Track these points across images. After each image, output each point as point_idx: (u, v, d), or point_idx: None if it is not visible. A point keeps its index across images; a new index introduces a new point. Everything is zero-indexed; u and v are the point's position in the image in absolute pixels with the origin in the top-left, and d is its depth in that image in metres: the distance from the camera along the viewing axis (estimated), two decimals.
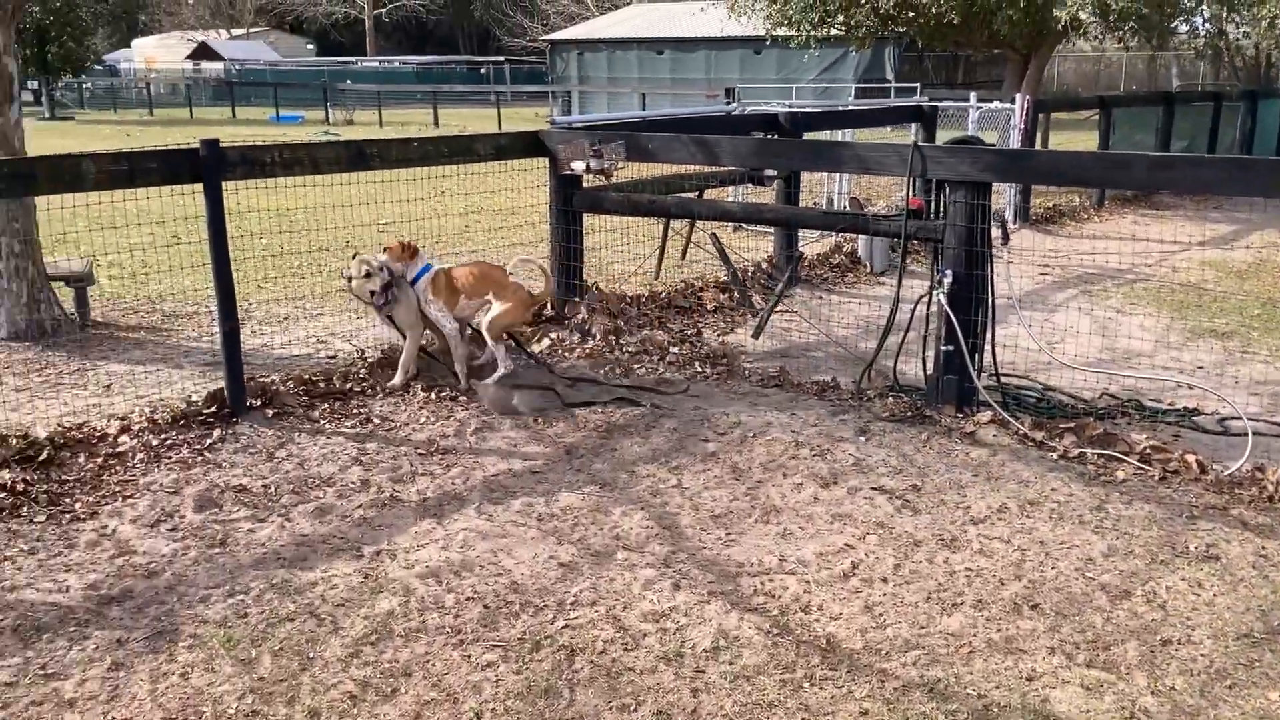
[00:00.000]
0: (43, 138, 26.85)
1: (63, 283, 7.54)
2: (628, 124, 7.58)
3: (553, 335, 7.12)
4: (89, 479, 4.93)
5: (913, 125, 11.40)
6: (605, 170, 6.61)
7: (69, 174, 4.97)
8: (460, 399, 6.12)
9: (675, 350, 6.92)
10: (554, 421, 5.85)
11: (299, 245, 10.58)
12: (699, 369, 6.70)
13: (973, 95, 12.45)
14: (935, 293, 5.75)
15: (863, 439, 5.60)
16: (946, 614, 3.84)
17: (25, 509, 4.62)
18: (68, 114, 39.06)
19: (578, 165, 6.71)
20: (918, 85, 26.06)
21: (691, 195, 7.90)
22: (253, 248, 9.73)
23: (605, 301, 7.68)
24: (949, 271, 5.68)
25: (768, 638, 3.69)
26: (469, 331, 6.40)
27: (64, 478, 4.92)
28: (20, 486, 4.74)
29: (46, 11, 33.07)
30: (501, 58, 57.43)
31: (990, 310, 5.85)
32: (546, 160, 7.26)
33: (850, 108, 11.76)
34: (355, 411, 5.92)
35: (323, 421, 5.75)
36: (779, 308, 7.79)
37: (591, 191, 7.19)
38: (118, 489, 4.86)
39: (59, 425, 5.44)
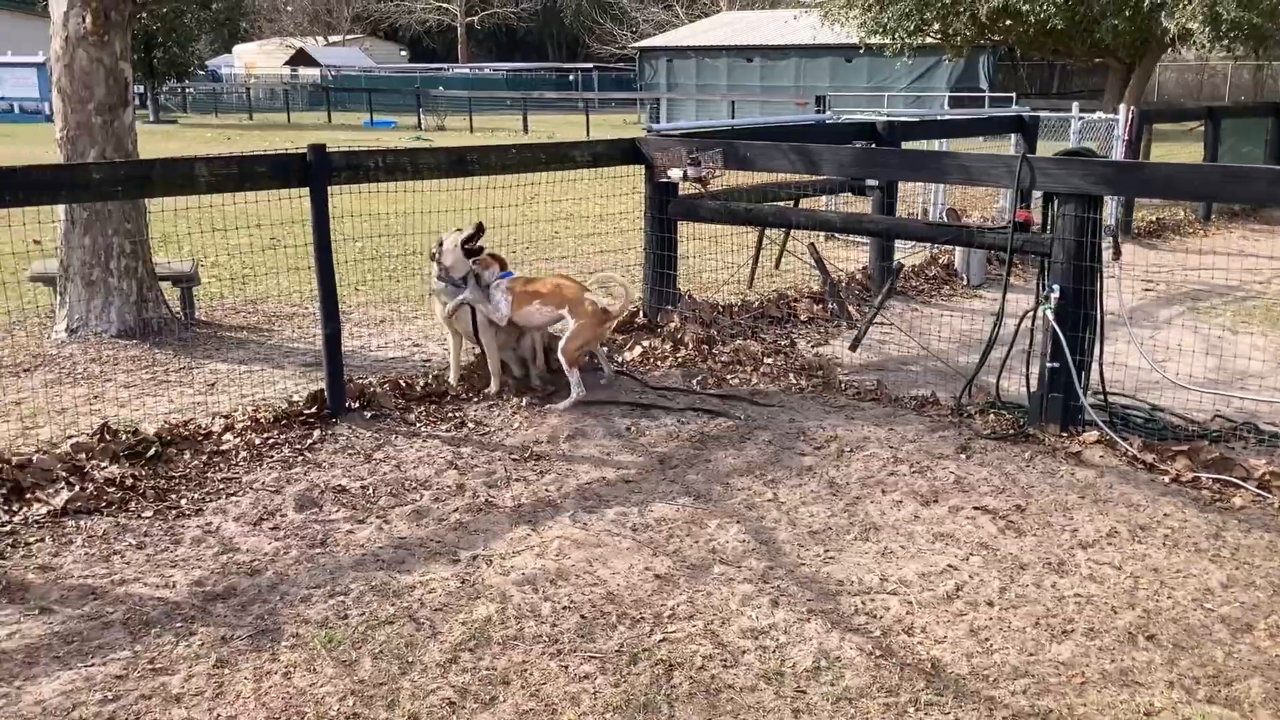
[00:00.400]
0: (148, 141, 27.70)
1: (169, 283, 7.74)
2: (724, 132, 7.54)
3: (644, 344, 7.10)
4: (194, 476, 5.03)
5: (1012, 136, 11.16)
6: (702, 178, 6.57)
7: (183, 176, 5.09)
8: (551, 409, 6.12)
9: (769, 361, 6.85)
10: (646, 431, 5.82)
11: (392, 249, 10.74)
12: (794, 381, 6.62)
13: (1075, 105, 12.14)
14: (1042, 308, 5.59)
15: (963, 456, 5.47)
16: (1056, 641, 3.71)
17: (134, 504, 4.73)
18: (171, 118, 40.30)
19: (674, 173, 6.68)
20: (1013, 95, 25.55)
21: (787, 204, 7.82)
22: (348, 251, 9.90)
23: (697, 310, 7.63)
24: (1056, 286, 5.52)
25: (870, 659, 3.60)
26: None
27: (171, 474, 5.03)
28: (129, 481, 4.85)
29: (154, 18, 34.14)
30: (590, 65, 57.86)
31: (1099, 327, 5.67)
32: (642, 168, 7.25)
33: (948, 117, 11.54)
34: (450, 415, 5.96)
35: (418, 424, 5.80)
36: (876, 320, 7.65)
37: (687, 199, 7.16)
38: (222, 486, 4.95)
39: (166, 422, 5.56)
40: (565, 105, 45.91)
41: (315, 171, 5.45)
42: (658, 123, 33.71)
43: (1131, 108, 12.41)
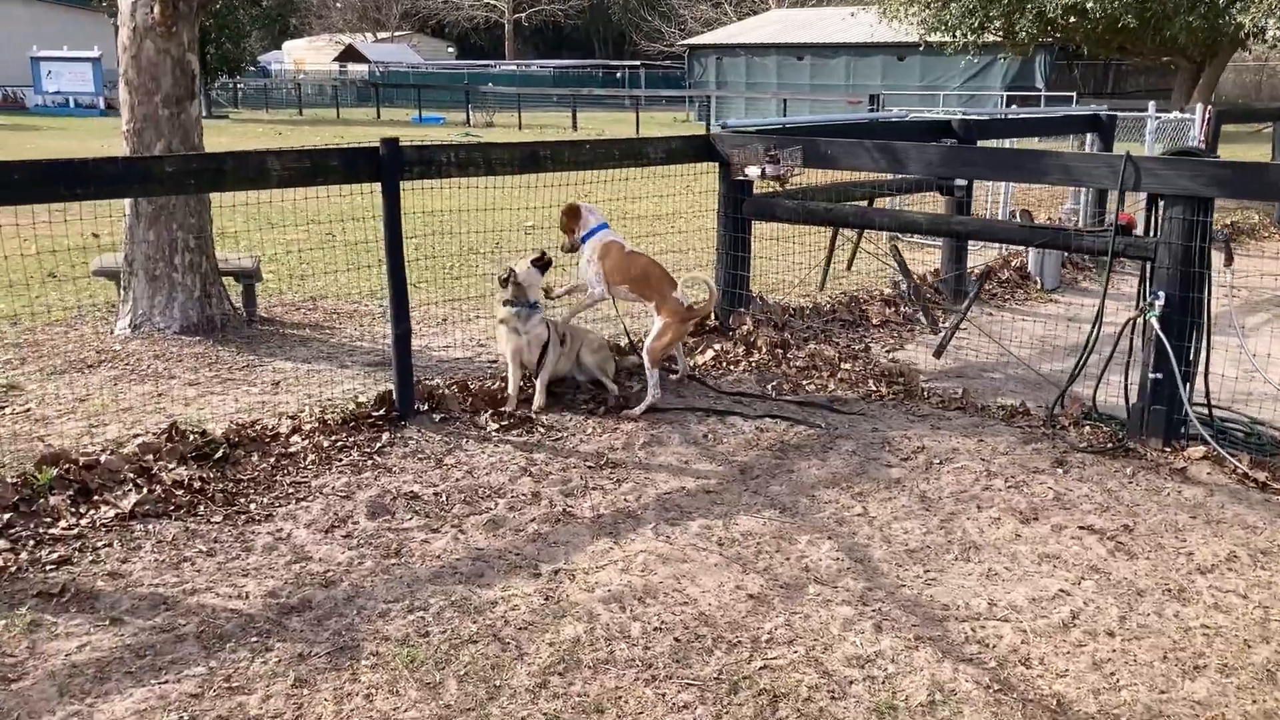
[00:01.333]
0: (204, 136, 27.93)
1: (232, 278, 7.62)
2: (800, 129, 7.29)
3: (716, 347, 6.88)
4: (263, 479, 4.88)
5: (1087, 136, 10.81)
6: (781, 176, 6.34)
7: (255, 170, 4.94)
8: (625, 411, 5.93)
9: (847, 367, 6.60)
10: (724, 438, 5.61)
11: (449, 247, 10.59)
12: (873, 387, 6.37)
13: (1151, 105, 11.76)
14: (1145, 315, 5.30)
15: (1060, 471, 5.20)
16: (1189, 678, 3.45)
17: (202, 508, 4.58)
18: (223, 113, 40.59)
19: (752, 171, 6.46)
20: (1072, 94, 25.00)
21: (863, 204, 7.57)
22: (406, 248, 9.77)
23: (769, 313, 7.40)
24: (1161, 293, 5.24)
25: (988, 693, 3.36)
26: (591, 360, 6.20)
27: (239, 476, 4.88)
28: (197, 484, 4.71)
29: (208, 14, 34.38)
30: (637, 62, 57.67)
31: (1205, 337, 5.38)
32: (715, 165, 7.03)
33: (1023, 115, 11.20)
34: (521, 419, 5.77)
35: (489, 428, 5.62)
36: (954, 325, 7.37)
37: (762, 198, 6.93)
38: (291, 491, 4.79)
39: (232, 422, 5.42)
40: (612, 103, 45.75)
41: (387, 166, 5.28)
42: (708, 120, 33.44)
43: (1208, 107, 11.99)
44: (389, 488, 4.86)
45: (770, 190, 7.17)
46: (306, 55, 61.60)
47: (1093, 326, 5.75)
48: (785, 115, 32.20)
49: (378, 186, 5.42)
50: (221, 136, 27.86)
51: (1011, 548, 4.40)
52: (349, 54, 57.98)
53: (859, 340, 7.61)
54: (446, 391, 5.89)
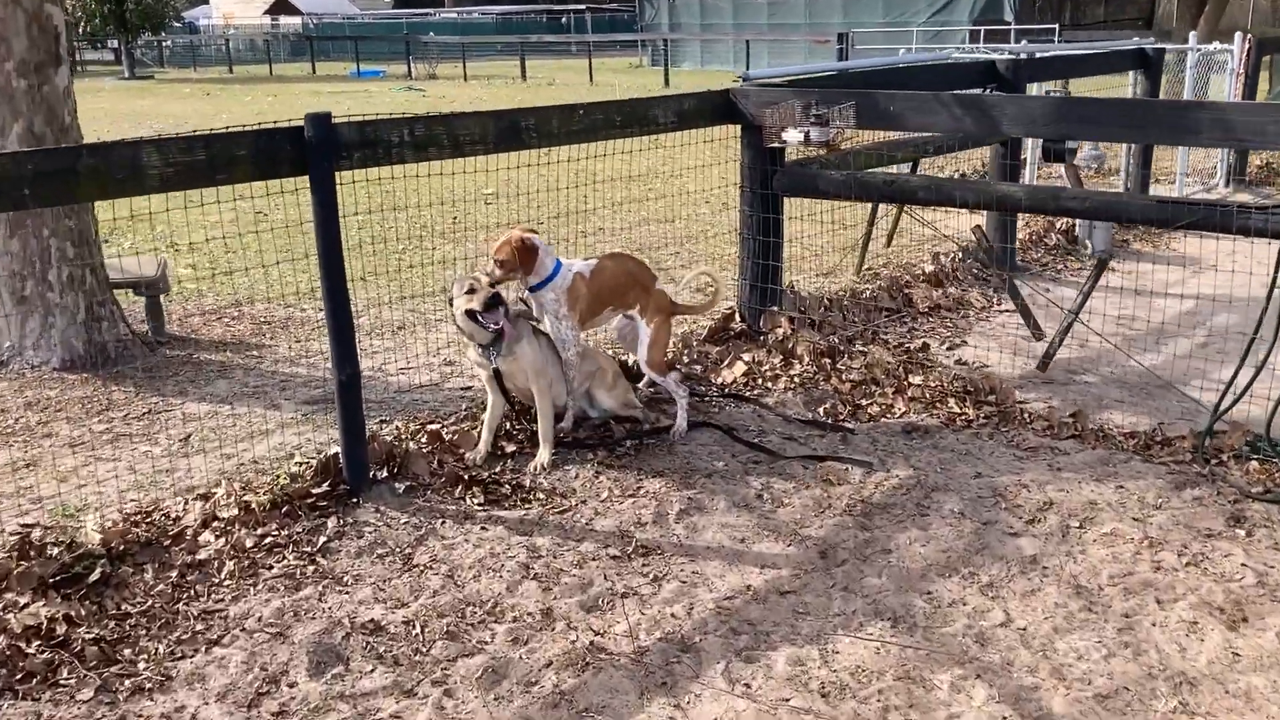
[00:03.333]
0: (122, 99, 25.83)
1: (130, 290, 6.08)
2: (823, 79, 5.87)
3: (746, 358, 5.48)
4: (159, 612, 3.43)
5: (1130, 74, 9.47)
6: (831, 141, 4.91)
7: (124, 169, 3.43)
8: (647, 461, 4.53)
9: (917, 381, 5.23)
10: (783, 497, 4.24)
11: (397, 227, 9.06)
12: (955, 408, 5.02)
13: (1192, 36, 10.42)
14: None
15: (1242, 533, 3.89)
16: None
17: (66, 672, 3.13)
18: (147, 73, 38.18)
19: (791, 135, 5.03)
20: (1055, 26, 23.54)
21: (919, 175, 6.17)
22: (346, 232, 8.22)
23: (804, 308, 6.01)
24: None
25: None
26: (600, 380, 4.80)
27: (124, 608, 3.43)
28: (61, 631, 3.25)
29: None
30: (583, 5, 55.46)
31: None
32: (737, 129, 5.58)
33: (1070, 53, 9.83)
34: (510, 480, 4.36)
35: (470, 500, 4.20)
36: (1000, 303, 6.02)
37: (799, 170, 5.50)
38: (199, 630, 3.35)
39: (120, 512, 3.96)
40: (560, 49, 43.76)
41: (317, 152, 3.80)
42: (665, 66, 31.71)
43: (1248, 36, 10.68)
44: (340, 614, 3.44)
45: (803, 158, 5.75)
46: (235, 9, 58.58)
47: (1255, 329, 4.42)
48: (749, 59, 30.62)
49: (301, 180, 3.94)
50: (144, 99, 25.80)
51: (1240, 678, 3.08)
52: (280, 6, 55.19)
53: (909, 335, 6.25)
54: (412, 447, 4.45)
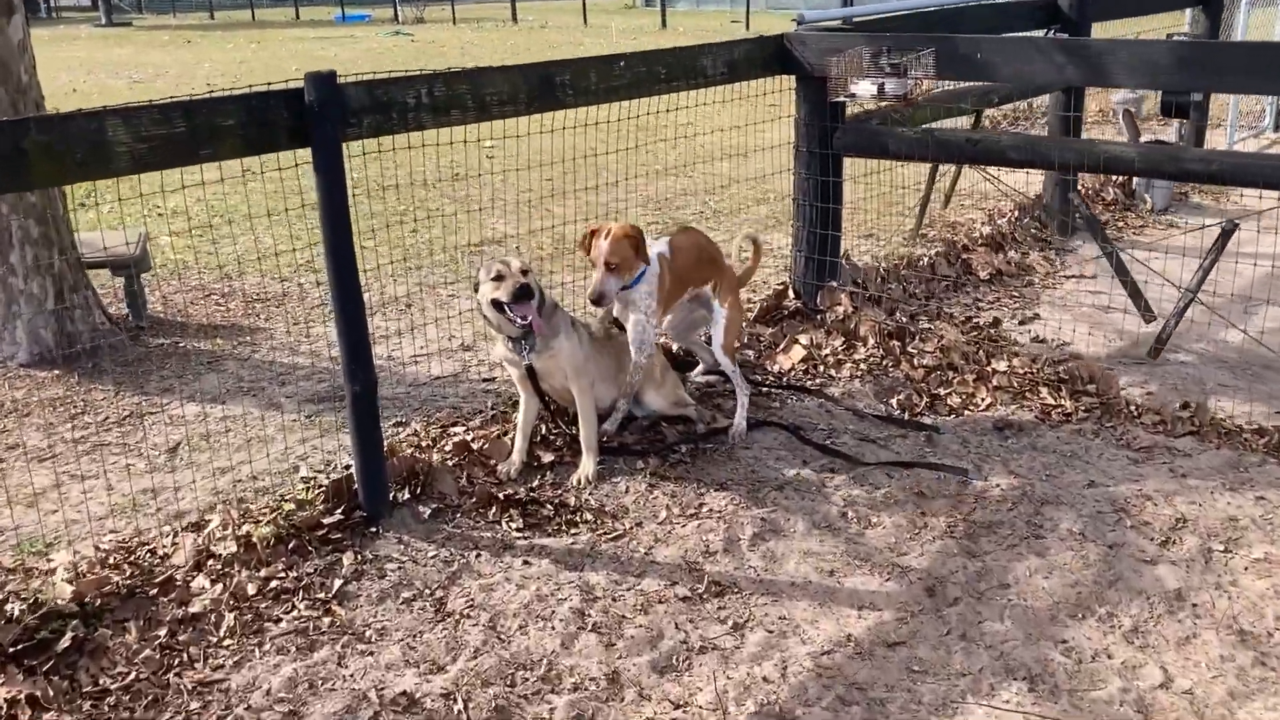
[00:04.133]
0: (100, 47, 24.80)
1: (106, 270, 5.42)
2: (893, 20, 5.17)
3: (804, 340, 4.86)
4: (145, 686, 2.83)
5: (1188, 11, 8.76)
6: (908, 94, 4.26)
7: (84, 147, 2.76)
8: (706, 470, 3.93)
9: (1001, 368, 4.62)
10: (871, 515, 3.65)
11: (399, 177, 8.37)
12: (1049, 399, 4.42)
13: None
14: None
15: None
16: None
17: None
18: (125, 19, 36.91)
19: (863, 88, 4.37)
20: None
21: (1007, 134, 5.50)
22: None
23: (862, 281, 5.38)
24: None
25: None
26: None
27: (102, 682, 2.83)
28: (24, 718, 2.65)
29: None
30: None
31: None
32: (791, 79, 4.91)
33: None
34: (551, 497, 3.76)
35: (507, 524, 3.60)
36: (1067, 268, 5.40)
37: (864, 127, 4.84)
38: (195, 710, 2.76)
39: (96, 549, 3.35)
40: None
41: (321, 119, 3.14)
42: (662, 6, 30.61)
43: None
44: (364, 683, 2.85)
45: (862, 113, 5.09)
46: None
47: None
48: (748, 5, 29.55)
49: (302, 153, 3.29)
50: (121, 47, 24.80)
51: None
52: None
53: (975, 308, 5.64)
54: (436, 460, 3.83)
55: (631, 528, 3.60)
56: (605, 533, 3.57)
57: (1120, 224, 7.30)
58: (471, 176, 8.40)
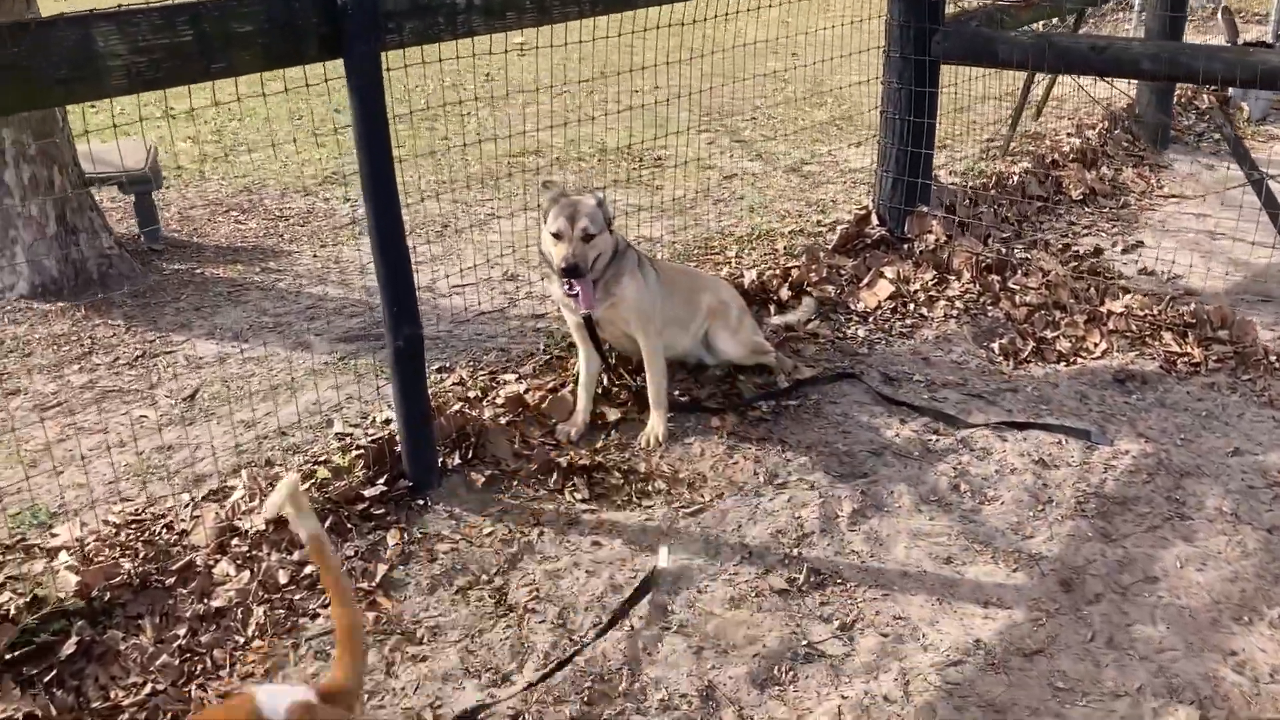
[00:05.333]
0: None
1: (115, 188, 4.92)
2: None
3: (889, 273, 4.34)
4: (163, 701, 2.41)
5: None
6: None
7: (68, 62, 2.25)
8: (791, 430, 3.46)
9: (1116, 308, 4.09)
10: (986, 488, 3.19)
11: (426, 85, 7.78)
12: (1173, 346, 3.91)
13: None
14: None
15: None
16: None
17: None
18: None
19: None
20: None
21: (1138, 41, 4.87)
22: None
23: (952, 202, 4.83)
24: None
25: None
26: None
27: (114, 695, 2.42)
28: None
29: None
30: None
31: None
32: None
33: None
34: (619, 462, 3.31)
35: (570, 495, 3.16)
36: (1167, 188, 4.83)
37: (968, 30, 4.24)
38: None
39: (104, 524, 2.93)
40: None
41: (357, 25, 2.60)
42: None
43: None
44: (420, 701, 2.44)
45: (960, 13, 4.48)
46: None
47: None
48: None
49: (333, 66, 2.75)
50: None
51: None
52: None
53: (1070, 233, 5.10)
54: (488, 417, 3.37)
55: (712, 500, 3.15)
56: (682, 506, 3.12)
57: (1215, 135, 6.67)
58: (503, 84, 7.79)
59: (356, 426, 3.45)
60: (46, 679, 2.41)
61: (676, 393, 3.61)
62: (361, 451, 3.16)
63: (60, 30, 2.23)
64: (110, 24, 2.29)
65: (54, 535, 2.91)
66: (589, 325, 3.40)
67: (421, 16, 2.81)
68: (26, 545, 2.88)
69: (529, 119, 7.11)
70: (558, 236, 3.20)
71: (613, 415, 3.51)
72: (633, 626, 2.66)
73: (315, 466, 3.15)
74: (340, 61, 2.67)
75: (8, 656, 2.43)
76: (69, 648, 2.48)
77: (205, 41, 2.43)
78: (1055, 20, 6.90)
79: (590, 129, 6.69)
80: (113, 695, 2.41)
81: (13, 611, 2.52)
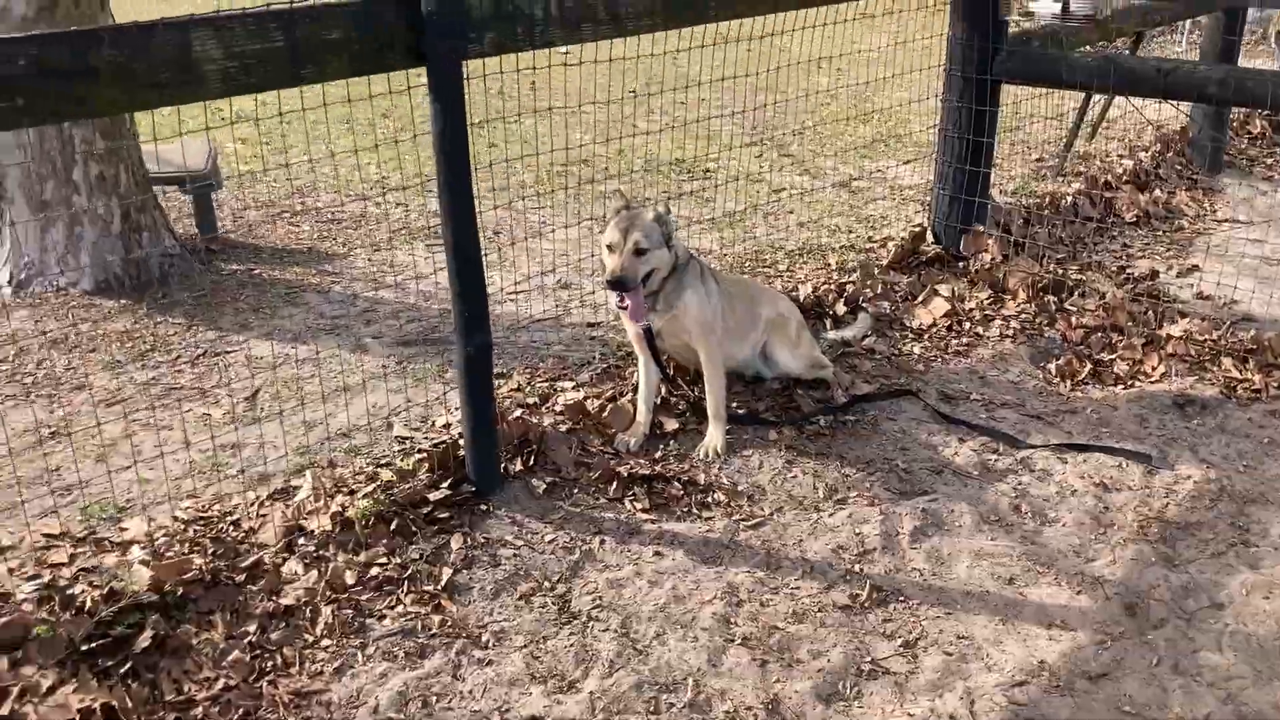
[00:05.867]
0: None
1: (175, 187, 4.99)
2: None
3: (944, 291, 4.34)
4: (235, 697, 2.44)
5: None
6: (1096, 14, 3.66)
7: (168, 65, 2.29)
8: (849, 445, 3.46)
9: (1175, 332, 4.08)
10: (1047, 509, 3.19)
11: (487, 84, 7.83)
12: (1233, 373, 3.89)
13: None
14: None
15: None
16: None
17: None
18: None
19: (1044, 4, 3.76)
20: None
21: (1208, 64, 4.85)
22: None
23: (1005, 222, 4.83)
24: None
25: None
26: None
27: (186, 689, 2.45)
28: None
29: None
30: None
31: None
32: None
33: None
34: (678, 473, 3.32)
35: (631, 504, 3.17)
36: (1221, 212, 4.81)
37: (1032, 50, 4.24)
38: None
39: (173, 520, 2.97)
40: None
41: (438, 33, 2.64)
42: None
43: None
44: (487, 705, 2.45)
45: (1021, 33, 4.49)
46: None
47: None
48: None
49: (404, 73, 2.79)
50: None
51: None
52: None
53: (1123, 255, 5.08)
54: (549, 424, 3.40)
55: (772, 514, 3.16)
56: (743, 519, 3.13)
57: (1269, 159, 6.64)
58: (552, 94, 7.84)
59: (417, 430, 3.49)
60: (122, 670, 2.45)
61: (734, 405, 3.62)
62: (424, 455, 3.19)
63: (160, 35, 2.28)
64: (207, 29, 2.33)
65: (123, 530, 2.96)
66: (649, 336, 3.42)
67: (502, 27, 2.84)
68: (97, 539, 2.92)
69: (577, 129, 7.15)
70: (611, 249, 3.24)
71: (671, 425, 3.53)
72: (695, 637, 2.67)
73: (378, 469, 3.18)
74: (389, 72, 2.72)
75: (85, 648, 2.47)
76: (143, 641, 2.51)
77: (296, 48, 2.47)
78: (1104, 42, 6.89)
79: (640, 141, 6.72)
80: (186, 689, 2.44)
81: (89, 604, 2.56)
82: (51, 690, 2.36)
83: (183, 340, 4.17)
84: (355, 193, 5.99)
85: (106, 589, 2.60)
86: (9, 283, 4.39)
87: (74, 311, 4.33)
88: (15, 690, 2.35)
